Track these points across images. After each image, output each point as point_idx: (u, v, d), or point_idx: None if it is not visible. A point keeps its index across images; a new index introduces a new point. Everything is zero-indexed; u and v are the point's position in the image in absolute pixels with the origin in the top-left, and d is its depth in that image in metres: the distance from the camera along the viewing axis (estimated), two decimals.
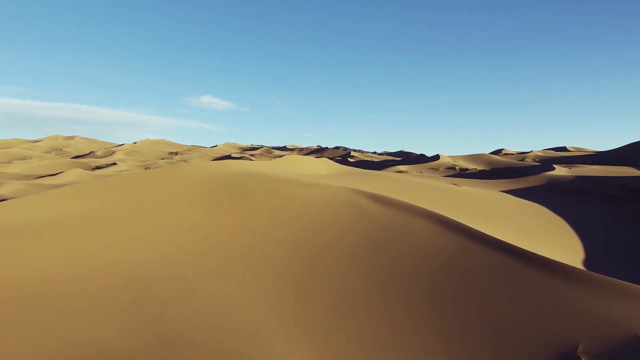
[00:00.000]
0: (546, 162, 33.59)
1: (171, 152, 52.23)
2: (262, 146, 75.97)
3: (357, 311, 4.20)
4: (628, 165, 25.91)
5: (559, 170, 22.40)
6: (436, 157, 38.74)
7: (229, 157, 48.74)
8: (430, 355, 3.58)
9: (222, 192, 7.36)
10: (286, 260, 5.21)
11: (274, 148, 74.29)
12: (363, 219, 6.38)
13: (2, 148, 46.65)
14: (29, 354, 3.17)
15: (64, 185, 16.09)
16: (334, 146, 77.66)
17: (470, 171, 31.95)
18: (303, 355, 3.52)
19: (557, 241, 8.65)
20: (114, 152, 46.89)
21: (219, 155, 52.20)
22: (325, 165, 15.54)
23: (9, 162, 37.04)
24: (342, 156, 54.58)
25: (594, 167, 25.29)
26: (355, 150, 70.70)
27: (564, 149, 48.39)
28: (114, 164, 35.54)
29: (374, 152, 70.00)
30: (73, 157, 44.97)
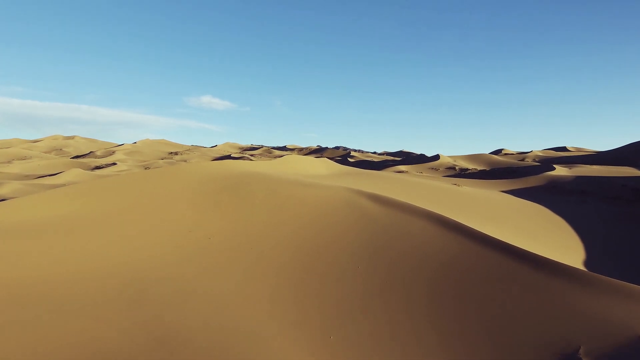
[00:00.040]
0: (546, 162, 33.58)
1: (171, 152, 52.23)
2: (262, 146, 75.99)
3: (356, 311, 4.19)
4: (628, 165, 25.90)
5: (560, 171, 22.38)
6: (436, 157, 38.74)
7: (229, 157, 48.74)
8: (430, 356, 3.57)
9: (221, 192, 7.35)
10: (286, 261, 5.20)
11: (274, 148, 74.31)
12: (363, 220, 6.36)
13: (1, 148, 46.65)
14: (27, 354, 3.16)
15: (64, 185, 16.08)
16: (334, 146, 77.70)
17: (470, 171, 31.95)
18: (302, 356, 3.51)
19: (557, 241, 8.64)
20: (113, 152, 46.89)
21: (218, 155, 52.20)
22: (325, 166, 15.52)
23: (9, 162, 37.04)
24: (342, 156, 54.58)
25: (594, 167, 25.28)
26: (355, 150, 70.72)
27: (564, 149, 48.39)
28: (114, 164, 35.54)
29: (374, 152, 70.01)
30: (73, 157, 44.97)
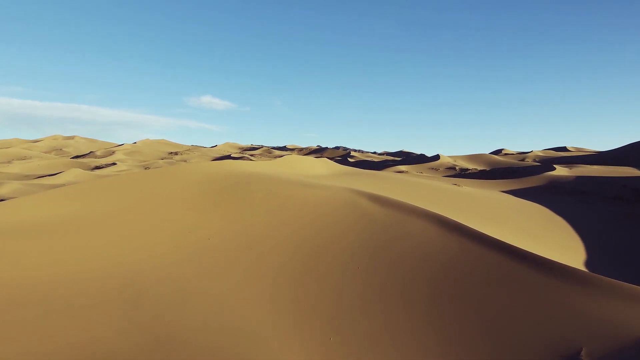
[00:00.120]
0: (546, 162, 33.56)
1: (171, 152, 52.23)
2: (262, 146, 75.99)
3: (356, 312, 4.17)
4: (629, 166, 25.88)
5: (560, 171, 22.37)
6: (436, 157, 38.73)
7: (228, 157, 48.73)
8: (429, 357, 3.55)
9: (221, 192, 7.33)
10: (285, 261, 5.18)
11: (274, 148, 74.31)
12: (363, 220, 6.35)
13: (1, 148, 46.65)
14: (26, 354, 3.16)
15: (63, 185, 16.06)
16: (334, 146, 77.72)
17: (470, 171, 31.92)
18: (301, 356, 3.50)
19: (558, 242, 8.62)
20: (113, 152, 46.89)
21: (218, 155, 52.19)
22: (325, 166, 15.50)
23: (9, 162, 37.03)
24: (342, 156, 54.56)
25: (595, 167, 25.26)
26: (355, 150, 70.73)
27: (564, 149, 48.36)
28: (114, 164, 35.53)
29: (374, 152, 70.02)
30: (73, 157, 44.97)
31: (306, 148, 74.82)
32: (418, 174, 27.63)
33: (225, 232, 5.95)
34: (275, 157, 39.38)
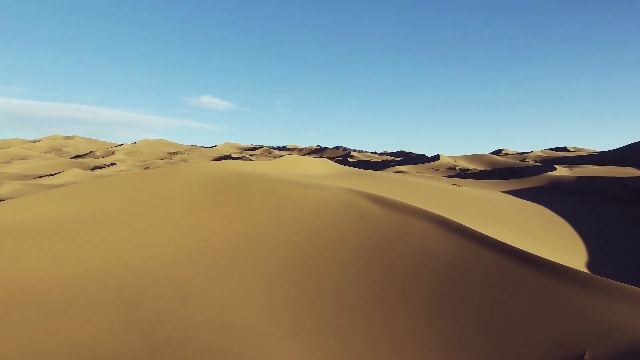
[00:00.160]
0: (547, 163, 33.54)
1: (171, 152, 52.22)
2: (262, 146, 76.00)
3: (355, 312, 4.15)
4: (629, 166, 25.85)
5: (560, 171, 22.35)
6: (436, 157, 38.70)
7: (228, 157, 48.73)
8: (429, 358, 3.52)
9: (220, 192, 7.30)
10: (285, 261, 5.16)
11: (273, 148, 74.32)
12: (363, 220, 6.32)
13: (1, 148, 46.65)
14: (24, 355, 3.15)
15: (63, 185, 16.03)
16: (334, 146, 77.75)
17: (470, 171, 31.90)
18: (301, 357, 3.48)
19: (558, 242, 8.59)
20: (113, 152, 46.89)
21: (218, 155, 52.19)
22: (325, 166, 15.47)
23: (8, 162, 37.02)
24: (342, 156, 54.55)
25: (595, 167, 25.24)
26: (355, 150, 70.74)
27: (564, 149, 48.34)
28: (113, 164, 35.52)
29: (374, 152, 70.02)
30: (72, 157, 44.96)
31: (306, 148, 74.82)
32: (418, 174, 27.61)
33: (225, 232, 5.92)
34: (275, 157, 39.36)
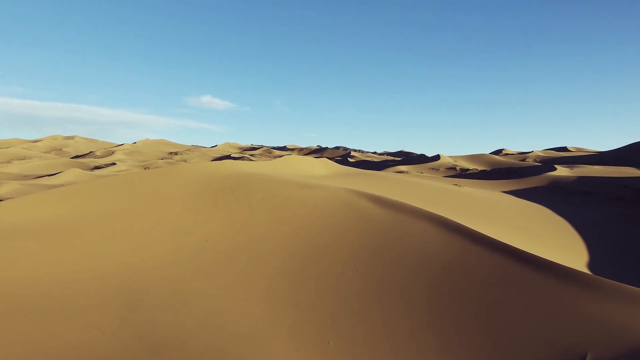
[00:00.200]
0: (547, 163, 33.50)
1: (171, 152, 52.23)
2: (262, 146, 76.03)
3: (355, 313, 4.13)
4: (630, 166, 25.81)
5: (561, 171, 22.32)
6: (437, 157, 38.69)
7: (228, 157, 48.74)
8: (429, 359, 3.48)
9: (220, 192, 7.28)
10: (285, 261, 5.14)
11: (273, 148, 74.34)
12: (362, 220, 6.28)
13: (1, 148, 46.67)
14: (23, 354, 3.16)
15: (62, 185, 16.00)
16: (334, 146, 77.77)
17: (471, 171, 31.87)
18: (300, 357, 3.46)
19: (559, 243, 8.55)
20: (113, 152, 46.90)
21: (218, 155, 52.20)
22: (324, 166, 15.44)
23: (8, 162, 37.03)
24: (342, 156, 54.54)
25: (596, 167, 25.21)
26: (355, 150, 70.75)
27: (564, 149, 48.32)
28: (113, 164, 35.52)
29: (374, 152, 70.03)
30: (72, 157, 44.97)
31: (306, 148, 74.82)
32: (418, 174, 27.59)
33: (225, 232, 5.90)
34: (275, 157, 39.35)
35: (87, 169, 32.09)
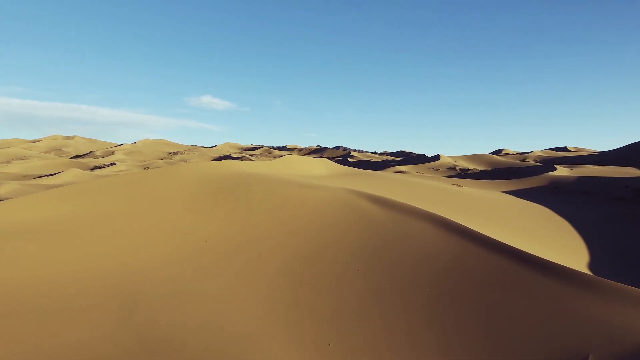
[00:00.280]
0: (547, 163, 33.49)
1: (171, 152, 52.20)
2: (262, 146, 76.00)
3: (354, 313, 4.12)
4: (630, 166, 25.80)
5: (561, 171, 22.31)
6: (437, 157, 38.67)
7: (228, 157, 48.73)
8: None
9: (218, 193, 7.26)
10: (284, 261, 5.13)
11: (273, 148, 74.31)
12: (362, 220, 6.27)
13: (1, 148, 46.65)
14: (20, 354, 3.15)
15: (62, 185, 15.99)
16: (334, 146, 77.73)
17: (471, 171, 31.85)
18: (299, 357, 3.44)
19: (560, 243, 8.54)
20: (113, 152, 46.88)
21: (218, 155, 52.18)
22: (324, 166, 15.43)
23: (8, 162, 37.00)
24: (342, 156, 54.52)
25: (596, 167, 25.20)
26: (355, 150, 70.72)
27: (564, 149, 48.29)
28: (113, 164, 35.50)
29: (374, 152, 70.00)
30: (72, 157, 44.95)
31: (306, 148, 74.79)
32: (418, 174, 27.58)
33: (224, 232, 5.89)
34: (275, 157, 39.33)
35: (86, 169, 32.08)
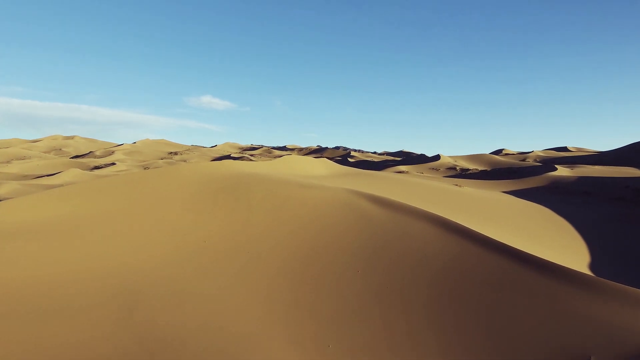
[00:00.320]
0: (548, 163, 33.48)
1: (171, 152, 52.18)
2: (262, 146, 75.98)
3: (354, 313, 4.12)
4: (630, 166, 25.79)
5: (561, 171, 22.30)
6: (437, 157, 38.66)
7: (228, 157, 48.72)
8: None
9: (218, 193, 7.26)
10: (284, 261, 5.13)
11: (273, 148, 74.29)
12: (362, 221, 6.27)
13: (1, 148, 46.63)
14: (19, 354, 3.15)
15: (61, 185, 15.98)
16: (334, 146, 77.72)
17: (471, 171, 31.84)
18: (298, 358, 3.44)
19: (560, 243, 8.53)
20: (113, 152, 46.86)
21: (218, 155, 52.16)
22: (324, 166, 15.42)
23: (8, 162, 36.99)
24: (342, 156, 54.50)
25: (597, 167, 25.19)
26: (355, 150, 70.70)
27: (564, 149, 48.27)
28: (113, 164, 35.49)
29: (374, 152, 69.98)
30: (72, 157, 44.94)
31: (306, 148, 74.78)
32: (418, 174, 27.58)
33: (224, 232, 5.88)
34: (275, 157, 39.33)
35: (86, 169, 32.07)
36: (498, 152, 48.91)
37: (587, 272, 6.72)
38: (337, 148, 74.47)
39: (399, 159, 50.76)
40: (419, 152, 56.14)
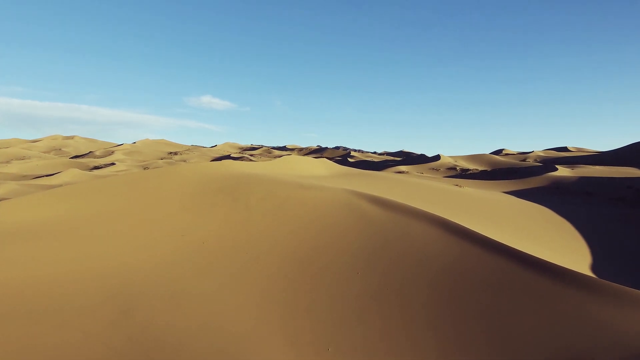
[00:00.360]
0: (548, 163, 33.47)
1: (170, 152, 52.19)
2: (262, 146, 76.01)
3: (353, 314, 4.11)
4: (630, 166, 25.78)
5: (562, 171, 22.28)
6: (437, 158, 38.67)
7: (228, 157, 48.72)
8: None
9: (217, 194, 7.24)
10: (284, 262, 5.12)
11: (273, 148, 74.31)
12: (362, 221, 6.25)
13: (0, 148, 46.63)
14: (19, 353, 3.16)
15: (61, 185, 15.96)
16: (334, 146, 77.73)
17: (471, 172, 31.83)
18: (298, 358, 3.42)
19: (560, 243, 8.51)
20: (112, 152, 46.87)
21: (218, 155, 52.16)
22: (324, 166, 15.41)
23: (7, 162, 36.98)
24: (342, 156, 54.50)
25: (597, 167, 25.17)
26: (355, 150, 70.71)
27: (565, 149, 48.25)
28: (113, 164, 35.48)
29: (374, 152, 69.98)
30: (72, 157, 44.94)
31: (306, 148, 74.79)
32: (418, 174, 27.58)
33: (223, 232, 5.87)
34: (275, 157, 39.32)
35: (86, 169, 32.06)
36: (498, 152, 48.91)
37: (588, 272, 6.70)
38: (337, 148, 74.48)
39: (399, 159, 50.76)
40: (419, 152, 56.17)
